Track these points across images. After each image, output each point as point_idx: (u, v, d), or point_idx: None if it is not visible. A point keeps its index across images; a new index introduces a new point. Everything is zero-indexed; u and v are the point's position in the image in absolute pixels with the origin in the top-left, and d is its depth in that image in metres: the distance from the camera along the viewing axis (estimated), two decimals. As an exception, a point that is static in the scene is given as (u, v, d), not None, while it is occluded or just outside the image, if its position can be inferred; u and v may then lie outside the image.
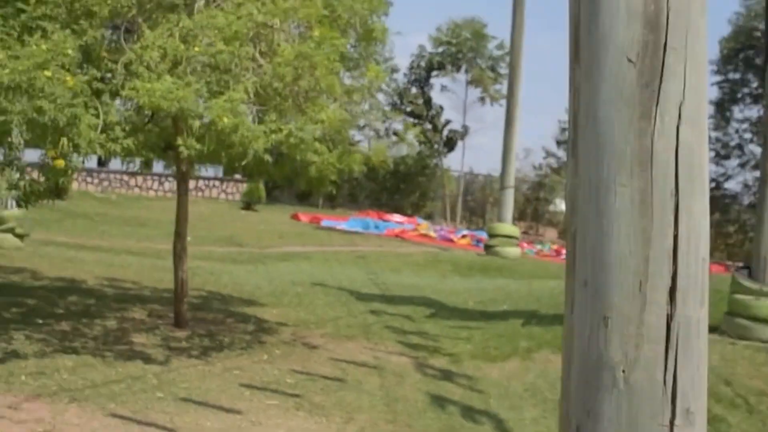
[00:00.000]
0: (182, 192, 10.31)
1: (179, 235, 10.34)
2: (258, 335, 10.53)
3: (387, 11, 9.73)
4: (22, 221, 16.79)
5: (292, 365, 9.12)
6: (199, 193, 31.79)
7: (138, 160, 9.29)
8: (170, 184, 32.67)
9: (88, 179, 28.74)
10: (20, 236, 16.90)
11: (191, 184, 31.53)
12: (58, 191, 7.86)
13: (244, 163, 8.06)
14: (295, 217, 31.50)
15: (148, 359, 8.84)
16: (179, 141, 7.81)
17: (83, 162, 7.56)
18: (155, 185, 32.36)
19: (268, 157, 8.01)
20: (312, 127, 7.91)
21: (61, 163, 7.37)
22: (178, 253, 10.36)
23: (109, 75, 8.46)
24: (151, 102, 7.23)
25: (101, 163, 24.34)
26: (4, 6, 8.40)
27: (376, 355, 10.10)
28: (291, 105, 8.24)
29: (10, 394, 7.22)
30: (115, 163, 26.14)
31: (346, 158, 9.31)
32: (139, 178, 31.74)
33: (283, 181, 10.93)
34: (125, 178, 31.02)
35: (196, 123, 7.43)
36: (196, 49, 7.70)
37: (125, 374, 8.19)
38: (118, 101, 8.77)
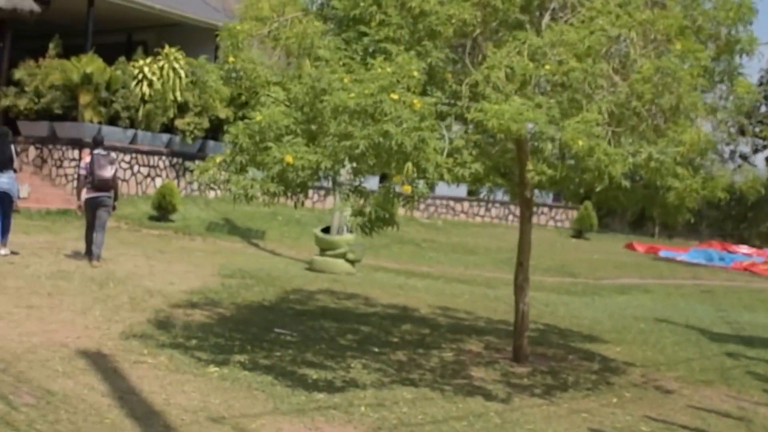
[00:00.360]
0: (525, 219, 10.20)
1: (521, 265, 10.23)
2: (604, 375, 10.18)
3: (753, 19, 9.14)
4: (354, 247, 17.49)
5: (646, 411, 8.68)
6: (527, 220, 31.75)
7: (486, 186, 9.28)
8: (497, 210, 32.94)
9: (403, 202, 29.52)
10: (352, 262, 17.61)
11: (519, 210, 31.74)
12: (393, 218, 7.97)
13: (598, 189, 7.81)
14: (629, 246, 30.72)
15: (488, 396, 8.77)
16: (529, 166, 7.71)
17: (432, 188, 7.61)
18: (481, 211, 32.69)
19: (626, 183, 7.72)
20: (674, 149, 7.54)
21: (408, 189, 7.47)
22: (520, 284, 10.26)
23: (451, 97, 8.54)
24: (500, 125, 7.14)
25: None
26: (346, 30, 8.71)
27: (741, 404, 9.41)
28: (648, 125, 7.90)
29: (350, 425, 7.38)
30: (441, 189, 26.85)
31: (709, 183, 8.83)
32: (465, 204, 32.21)
33: (633, 208, 10.55)
34: (451, 203, 31.57)
35: (548, 146, 7.27)
36: (547, 67, 7.56)
37: (466, 411, 8.14)
38: (456, 124, 8.83)
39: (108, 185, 14.86)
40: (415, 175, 7.53)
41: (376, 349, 10.43)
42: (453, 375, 9.55)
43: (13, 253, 14.51)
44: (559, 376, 9.96)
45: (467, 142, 8.09)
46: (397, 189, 7.79)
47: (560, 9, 8.57)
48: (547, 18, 8.52)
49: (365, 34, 8.37)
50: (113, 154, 15.64)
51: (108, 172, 14.79)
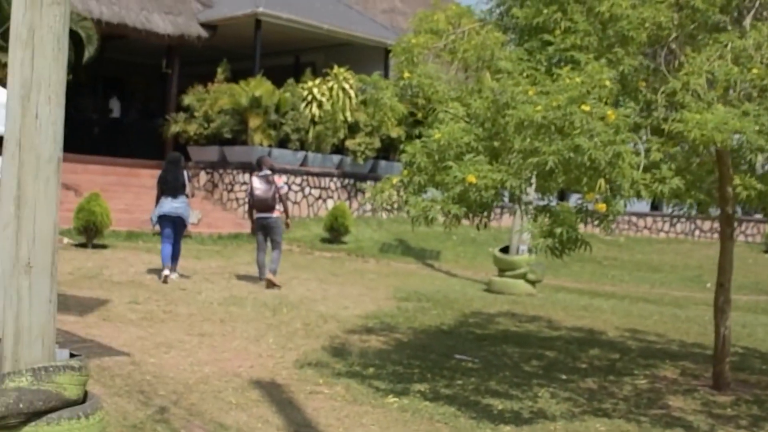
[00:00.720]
0: (727, 237, 9.66)
1: (722, 286, 9.70)
2: (816, 406, 9.54)
3: None
4: (535, 266, 17.15)
5: None
6: (714, 235, 30.62)
7: (687, 203, 8.84)
8: (682, 225, 31.89)
9: (596, 221, 28.92)
10: (532, 282, 17.27)
11: (706, 225, 30.62)
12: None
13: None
14: (829, 260, 29.26)
15: (689, 428, 8.29)
16: (737, 180, 7.26)
17: (625, 206, 7.26)
18: (665, 226, 31.72)
19: None
20: None
21: (602, 207, 7.13)
22: (721, 306, 9.72)
23: (645, 107, 8.14)
24: (702, 135, 6.72)
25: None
26: (529, 40, 8.44)
27: None
28: None
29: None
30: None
31: None
32: (648, 219, 31.34)
33: None
34: (633, 219, 30.77)
35: (758, 158, 6.81)
36: (755, 71, 7.10)
37: (666, 444, 7.77)
38: (644, 135, 8.43)
39: (268, 206, 15.18)
40: (608, 191, 7.17)
41: (564, 376, 10.08)
42: (649, 404, 9.10)
43: (182, 276, 14.82)
44: (766, 405, 9.37)
45: (665, 155, 7.67)
46: (589, 207, 7.45)
47: (764, 7, 8.08)
48: (749, 18, 8.03)
49: (549, 43, 8.09)
50: (276, 176, 15.76)
51: (266, 193, 15.12)
